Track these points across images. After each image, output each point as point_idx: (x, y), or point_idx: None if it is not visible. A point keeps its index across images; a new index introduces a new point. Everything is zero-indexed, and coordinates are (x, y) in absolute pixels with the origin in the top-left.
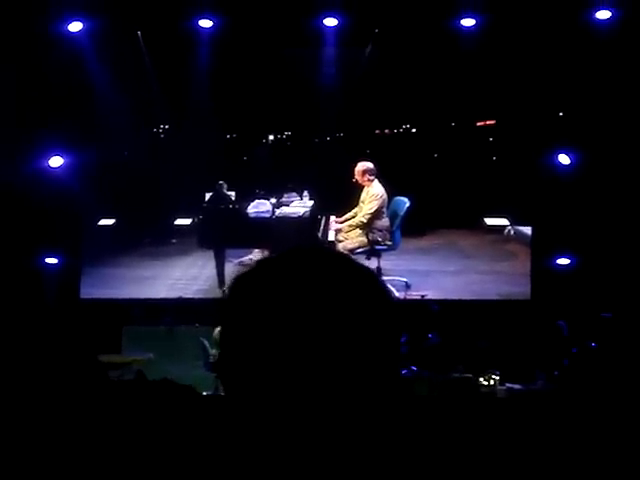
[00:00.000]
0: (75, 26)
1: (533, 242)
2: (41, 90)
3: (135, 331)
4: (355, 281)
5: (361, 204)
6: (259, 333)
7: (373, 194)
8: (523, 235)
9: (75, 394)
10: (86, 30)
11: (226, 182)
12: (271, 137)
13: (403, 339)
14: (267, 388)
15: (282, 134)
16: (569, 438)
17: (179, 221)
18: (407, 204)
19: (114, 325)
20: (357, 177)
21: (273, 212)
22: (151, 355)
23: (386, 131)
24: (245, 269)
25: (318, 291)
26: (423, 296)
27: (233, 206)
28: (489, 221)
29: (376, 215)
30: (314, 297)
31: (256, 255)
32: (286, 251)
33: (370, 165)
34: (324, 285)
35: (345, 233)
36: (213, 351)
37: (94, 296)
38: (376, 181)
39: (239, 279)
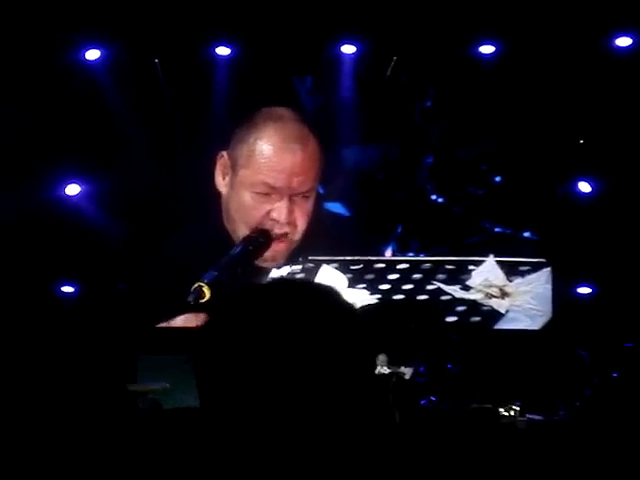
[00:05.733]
0: (92, 54)
1: (553, 271)
2: (57, 118)
3: (150, 360)
4: (320, 308)
5: None
6: (231, 357)
7: None
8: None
9: (106, 423)
10: (103, 58)
11: None
12: None
13: (421, 369)
14: (243, 403)
15: None
16: (590, 469)
17: None
18: None
19: (130, 354)
20: None
21: None
22: (167, 385)
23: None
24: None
25: (287, 319)
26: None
27: None
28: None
29: None
30: (286, 322)
31: None
32: (258, 285)
33: None
34: (295, 312)
35: None
36: None
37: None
38: None
39: (220, 305)
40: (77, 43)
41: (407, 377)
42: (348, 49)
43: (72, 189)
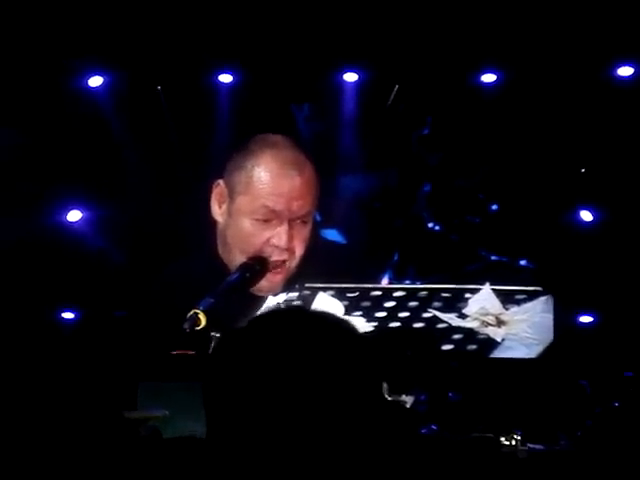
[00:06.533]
0: (95, 81)
1: (554, 299)
2: (59, 144)
3: (151, 387)
4: (332, 337)
5: None
6: (242, 385)
7: None
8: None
9: (106, 450)
10: (106, 85)
11: None
12: None
13: (422, 397)
14: (252, 433)
15: None
16: None
17: None
18: None
19: (129, 381)
20: None
21: None
22: (167, 412)
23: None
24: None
25: (298, 347)
26: None
27: None
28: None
29: None
30: (294, 352)
31: None
32: (270, 312)
33: None
34: (303, 342)
35: None
36: None
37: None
38: None
39: (225, 337)
40: (80, 70)
41: (408, 405)
42: (349, 77)
43: (73, 215)
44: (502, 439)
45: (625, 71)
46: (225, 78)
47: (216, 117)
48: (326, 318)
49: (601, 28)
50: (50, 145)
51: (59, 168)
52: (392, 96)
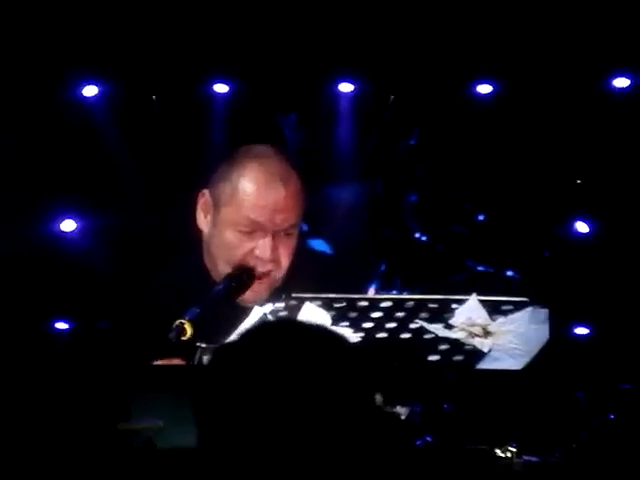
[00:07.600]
0: (89, 90)
1: (550, 311)
2: (53, 153)
3: (145, 398)
4: (324, 350)
5: None
6: (236, 400)
7: None
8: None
9: (99, 460)
10: (101, 94)
11: None
12: None
13: (417, 409)
14: (245, 445)
15: None
16: None
17: None
18: None
19: (124, 392)
20: None
21: None
22: (160, 423)
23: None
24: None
25: (291, 361)
26: None
27: None
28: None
29: None
30: (287, 366)
31: None
32: (261, 325)
33: None
34: (295, 355)
35: None
36: None
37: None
38: None
39: (218, 352)
40: (75, 79)
41: (403, 417)
42: (341, 87)
43: (68, 225)
44: (497, 451)
45: (621, 82)
46: (220, 88)
47: (211, 127)
48: (317, 330)
49: (597, 39)
50: (44, 154)
51: (53, 177)
52: (388, 105)
